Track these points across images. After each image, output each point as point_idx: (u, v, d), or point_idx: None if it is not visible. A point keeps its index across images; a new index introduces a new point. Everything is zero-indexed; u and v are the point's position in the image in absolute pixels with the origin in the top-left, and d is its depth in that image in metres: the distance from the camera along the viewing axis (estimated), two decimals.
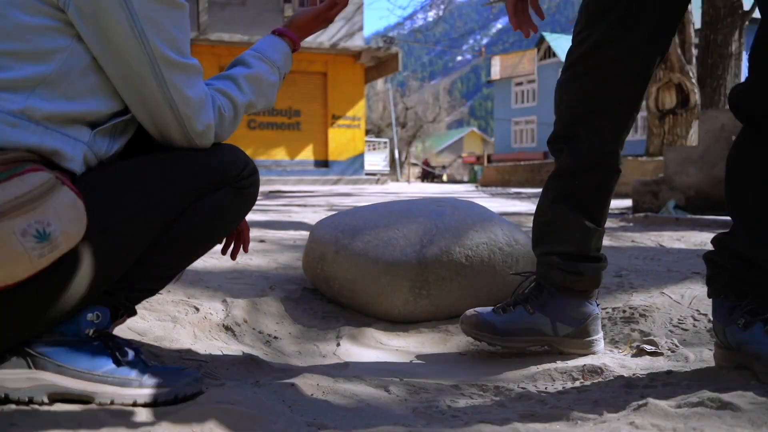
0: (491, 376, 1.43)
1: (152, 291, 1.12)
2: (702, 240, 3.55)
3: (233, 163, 1.13)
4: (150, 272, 1.06)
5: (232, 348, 1.46)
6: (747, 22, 8.67)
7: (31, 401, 0.95)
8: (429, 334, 1.81)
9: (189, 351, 1.39)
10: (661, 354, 1.51)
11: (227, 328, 1.64)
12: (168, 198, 1.04)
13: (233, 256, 1.30)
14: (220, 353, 1.40)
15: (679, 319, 1.78)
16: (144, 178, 1.03)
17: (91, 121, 0.99)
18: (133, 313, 1.09)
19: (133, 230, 0.99)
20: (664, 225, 4.49)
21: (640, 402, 1.07)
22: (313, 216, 4.94)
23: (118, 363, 1.00)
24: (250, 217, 5.33)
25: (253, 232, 3.68)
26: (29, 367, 0.95)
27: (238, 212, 1.19)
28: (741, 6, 8.64)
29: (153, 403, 1.00)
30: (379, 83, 30.34)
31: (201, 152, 1.10)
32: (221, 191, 1.11)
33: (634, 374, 1.34)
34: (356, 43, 17.17)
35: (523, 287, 1.60)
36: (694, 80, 8.31)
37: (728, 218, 1.28)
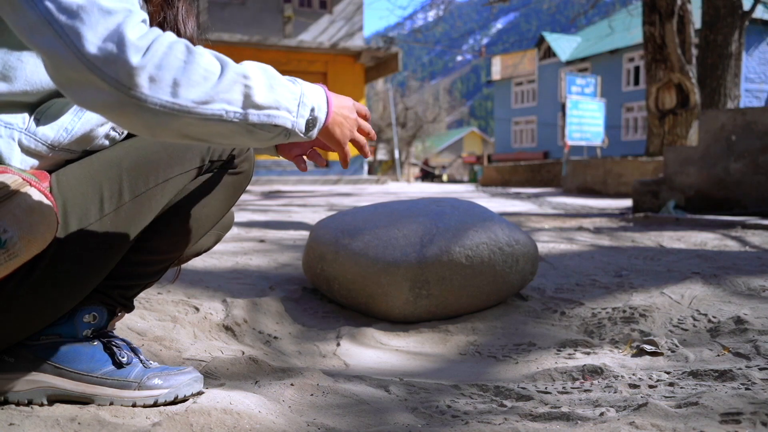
0: (491, 376, 1.43)
1: (147, 284, 1.08)
2: (702, 240, 3.55)
3: (217, 146, 1.04)
4: (141, 266, 1.03)
5: (232, 348, 1.46)
6: (747, 23, 8.68)
7: (30, 403, 0.95)
8: (429, 334, 1.81)
9: (189, 351, 1.39)
10: (661, 354, 1.51)
11: (227, 328, 1.64)
12: (152, 187, 0.97)
13: None
14: (220, 353, 1.40)
15: (679, 319, 1.79)
16: (124, 167, 0.96)
17: (29, 103, 0.88)
18: (131, 308, 1.07)
19: (117, 224, 0.95)
20: (664, 225, 4.49)
21: (641, 402, 1.07)
22: (313, 216, 4.94)
23: (117, 364, 1.00)
24: (250, 216, 5.31)
25: (253, 232, 3.68)
26: (28, 369, 0.95)
27: (231, 194, 1.11)
28: (741, 6, 8.65)
29: (153, 405, 1.00)
30: (379, 83, 30.33)
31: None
32: (212, 175, 1.05)
33: (634, 374, 1.34)
34: (356, 43, 17.17)
35: None
36: (694, 80, 8.32)
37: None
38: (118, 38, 0.69)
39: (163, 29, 1.00)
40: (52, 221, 0.84)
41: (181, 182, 1.01)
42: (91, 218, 0.92)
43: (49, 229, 0.84)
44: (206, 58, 0.76)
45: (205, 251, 1.39)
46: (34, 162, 0.90)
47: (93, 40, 0.68)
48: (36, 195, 0.82)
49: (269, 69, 0.85)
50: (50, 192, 0.89)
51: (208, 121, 0.76)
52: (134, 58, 0.69)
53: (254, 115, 0.79)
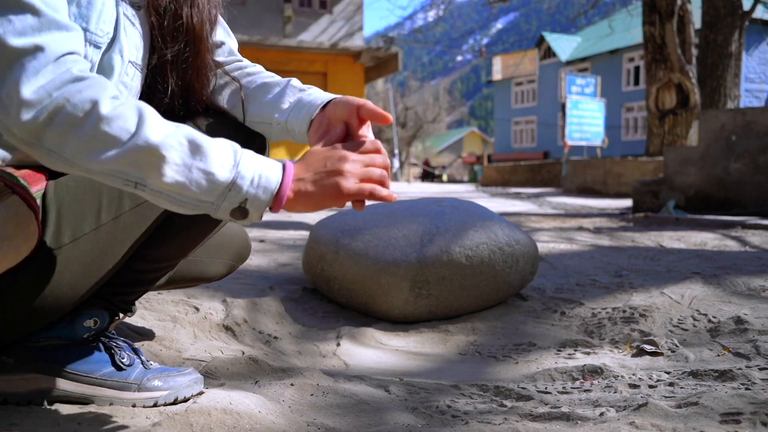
0: (491, 376, 1.43)
1: (149, 289, 1.07)
2: (702, 240, 3.55)
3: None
4: (143, 273, 1.01)
5: (232, 348, 1.46)
6: (747, 23, 8.68)
7: (30, 403, 0.95)
8: (429, 333, 1.81)
9: (189, 351, 1.38)
10: (661, 354, 1.51)
11: (227, 328, 1.63)
12: None
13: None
14: (220, 353, 1.40)
15: (679, 319, 1.78)
16: None
17: None
18: (132, 312, 1.06)
19: (115, 234, 0.91)
20: (664, 225, 4.48)
21: (640, 402, 1.07)
22: (313, 216, 4.94)
23: (117, 366, 0.99)
24: None
25: (253, 232, 3.68)
26: (27, 371, 0.95)
27: None
28: (741, 6, 8.65)
29: (152, 406, 1.00)
30: (379, 83, 30.33)
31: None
32: None
33: (634, 374, 1.34)
34: (356, 43, 17.17)
35: None
36: (694, 80, 8.32)
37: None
38: (10, 89, 0.67)
39: (165, 14, 0.94)
40: (31, 233, 0.79)
41: None
42: (86, 227, 0.89)
43: (26, 241, 0.79)
44: (115, 124, 0.70)
45: (218, 279, 1.38)
46: (5, 154, 0.86)
47: None
48: (16, 203, 0.78)
49: (203, 145, 0.74)
50: (43, 197, 0.86)
51: (108, 181, 0.74)
52: (24, 114, 0.68)
53: (159, 193, 0.74)
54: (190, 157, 0.73)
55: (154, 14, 0.94)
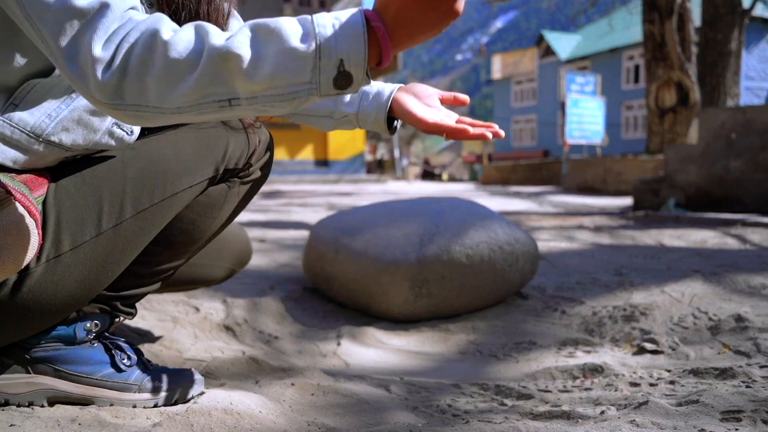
0: (492, 375, 1.43)
1: (149, 292, 1.06)
2: (702, 238, 3.55)
3: (233, 153, 0.98)
4: (144, 278, 1.00)
5: (232, 348, 1.46)
6: (746, 20, 8.67)
7: (31, 404, 0.95)
8: (429, 333, 1.81)
9: (189, 351, 1.39)
10: (662, 352, 1.51)
11: (227, 328, 1.64)
12: (157, 202, 0.91)
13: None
14: (220, 353, 1.40)
15: (679, 317, 1.78)
16: (129, 176, 0.89)
17: (6, 85, 0.80)
18: (133, 315, 1.06)
19: (115, 242, 0.89)
20: (664, 223, 4.48)
21: (641, 400, 1.07)
22: (313, 216, 4.94)
23: (117, 367, 0.99)
24: (250, 217, 5.30)
25: (253, 232, 3.68)
26: (28, 372, 0.94)
27: (243, 201, 1.05)
28: (740, 4, 8.65)
29: (153, 407, 1.00)
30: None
31: (192, 145, 0.94)
32: (223, 185, 1.00)
33: (634, 372, 1.34)
34: None
35: None
36: (693, 78, 8.31)
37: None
38: (84, 52, 0.67)
39: (182, 11, 0.92)
40: (32, 243, 0.77)
41: (189, 196, 0.95)
42: (86, 235, 0.87)
43: (26, 251, 0.77)
44: (180, 46, 0.66)
45: (218, 283, 1.38)
46: (18, 156, 0.82)
47: (70, 54, 0.68)
48: (18, 211, 0.76)
49: (271, 27, 0.68)
50: (44, 202, 0.84)
51: (204, 113, 0.69)
52: (99, 73, 0.67)
53: (254, 99, 0.68)
54: (263, 44, 0.67)
55: (167, 10, 0.91)
